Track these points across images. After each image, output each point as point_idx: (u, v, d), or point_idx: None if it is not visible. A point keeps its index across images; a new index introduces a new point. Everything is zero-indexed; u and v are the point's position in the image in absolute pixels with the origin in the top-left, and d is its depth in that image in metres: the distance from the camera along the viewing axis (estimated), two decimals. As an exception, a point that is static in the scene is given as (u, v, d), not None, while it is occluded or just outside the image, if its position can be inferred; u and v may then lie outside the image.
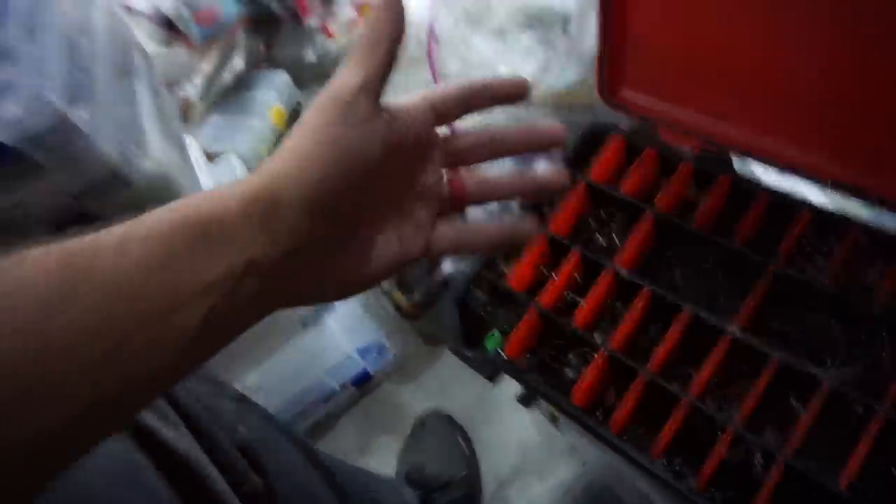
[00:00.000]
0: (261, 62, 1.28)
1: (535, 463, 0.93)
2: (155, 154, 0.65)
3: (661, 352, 0.52)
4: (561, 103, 1.00)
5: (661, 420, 0.50)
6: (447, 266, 0.98)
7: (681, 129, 0.59)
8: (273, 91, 1.22)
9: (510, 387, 1.02)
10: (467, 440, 0.96)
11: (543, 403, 0.73)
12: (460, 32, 1.03)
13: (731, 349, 0.52)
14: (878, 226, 0.52)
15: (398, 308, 1.01)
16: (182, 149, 0.79)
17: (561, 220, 0.62)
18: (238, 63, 1.20)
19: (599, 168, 0.63)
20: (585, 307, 0.56)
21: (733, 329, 0.51)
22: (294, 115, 1.27)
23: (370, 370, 0.99)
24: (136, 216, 0.27)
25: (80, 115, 0.56)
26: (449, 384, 1.01)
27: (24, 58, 0.56)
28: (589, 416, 0.53)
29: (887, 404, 0.46)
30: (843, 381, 0.48)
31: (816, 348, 0.51)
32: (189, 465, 0.43)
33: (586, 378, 0.53)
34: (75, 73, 0.59)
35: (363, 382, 1.00)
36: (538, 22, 1.03)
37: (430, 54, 1.08)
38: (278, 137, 1.22)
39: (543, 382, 0.56)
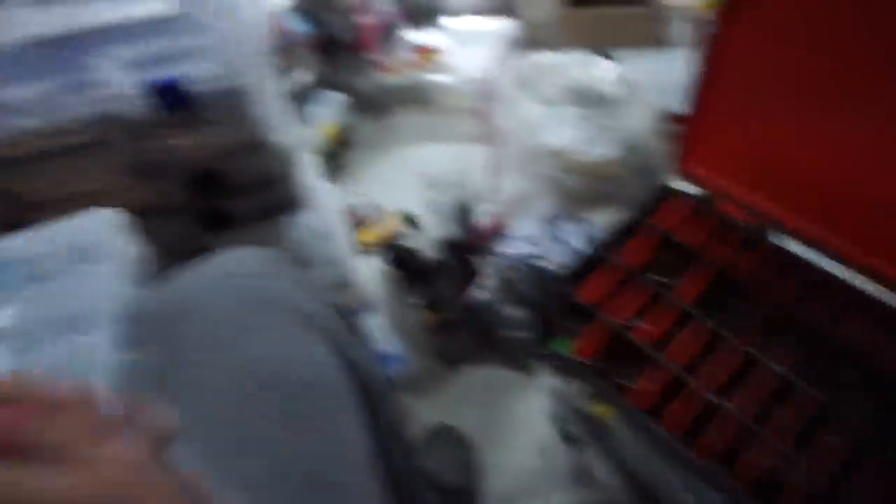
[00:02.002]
0: (323, 82, 1.38)
1: (535, 487, 0.99)
2: (281, 129, 0.74)
3: (718, 375, 0.63)
4: (588, 172, 1.13)
5: (703, 428, 0.60)
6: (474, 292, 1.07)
7: (733, 201, 0.73)
8: (330, 109, 1.32)
9: (517, 409, 1.10)
10: (475, 456, 1.02)
11: (568, 421, 0.82)
12: (513, 94, 1.16)
13: (777, 383, 0.63)
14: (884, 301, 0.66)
15: (424, 321, 1.09)
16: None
17: (632, 253, 0.74)
18: (306, 77, 1.29)
19: (666, 220, 0.76)
20: (654, 329, 0.67)
21: (779, 368, 0.63)
22: (341, 135, 1.36)
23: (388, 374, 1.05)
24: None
25: (252, 84, 0.65)
26: (458, 404, 1.08)
27: (222, 32, 0.65)
28: (647, 417, 0.62)
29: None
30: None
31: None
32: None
33: (648, 385, 0.63)
34: (249, 52, 0.68)
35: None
36: (580, 99, 1.17)
37: (485, 109, 1.21)
38: (325, 151, 1.31)
39: (608, 383, 0.65)
